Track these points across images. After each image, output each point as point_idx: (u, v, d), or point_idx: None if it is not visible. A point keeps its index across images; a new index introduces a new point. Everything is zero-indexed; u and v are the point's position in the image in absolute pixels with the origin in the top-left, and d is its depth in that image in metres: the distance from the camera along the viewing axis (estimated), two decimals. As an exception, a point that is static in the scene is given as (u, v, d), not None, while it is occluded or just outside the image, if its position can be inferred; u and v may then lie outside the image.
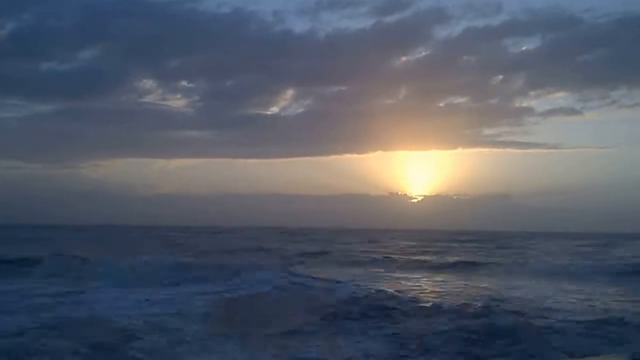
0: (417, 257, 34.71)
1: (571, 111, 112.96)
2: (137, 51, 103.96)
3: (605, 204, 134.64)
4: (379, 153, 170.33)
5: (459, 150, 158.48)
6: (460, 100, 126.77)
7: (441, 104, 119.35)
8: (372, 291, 16.54)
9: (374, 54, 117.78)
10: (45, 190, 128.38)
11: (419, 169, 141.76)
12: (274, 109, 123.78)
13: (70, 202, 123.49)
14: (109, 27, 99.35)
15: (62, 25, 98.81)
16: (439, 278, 23.54)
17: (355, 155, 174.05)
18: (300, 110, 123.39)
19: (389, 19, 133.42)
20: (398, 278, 23.13)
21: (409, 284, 20.97)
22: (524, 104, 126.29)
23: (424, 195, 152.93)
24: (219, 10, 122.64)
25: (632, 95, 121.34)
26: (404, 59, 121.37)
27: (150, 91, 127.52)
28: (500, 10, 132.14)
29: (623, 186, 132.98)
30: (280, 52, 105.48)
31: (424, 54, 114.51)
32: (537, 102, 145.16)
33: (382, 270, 27.15)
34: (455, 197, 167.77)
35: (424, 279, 22.99)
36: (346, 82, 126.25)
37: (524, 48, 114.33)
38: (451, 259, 32.89)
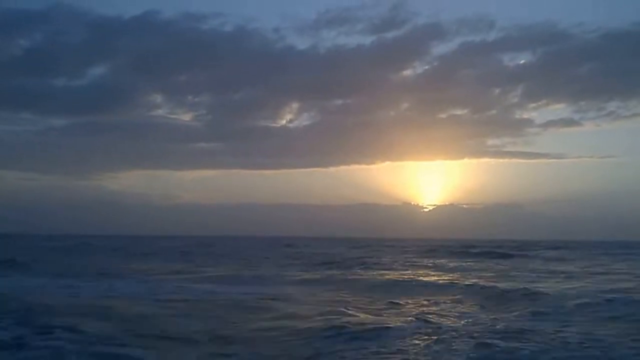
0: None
1: (570, 122, 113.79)
2: (144, 67, 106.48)
3: (613, 212, 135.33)
4: (387, 164, 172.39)
5: (465, 160, 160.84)
6: (461, 112, 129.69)
7: (443, 116, 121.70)
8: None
9: (375, 69, 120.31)
10: (68, 201, 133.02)
11: (428, 179, 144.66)
12: (281, 122, 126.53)
13: (91, 213, 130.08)
14: (117, 45, 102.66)
15: (71, 44, 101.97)
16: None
17: (364, 166, 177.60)
18: (307, 122, 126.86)
19: (387, 35, 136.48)
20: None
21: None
22: (525, 116, 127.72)
23: (436, 205, 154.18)
24: (222, 28, 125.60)
25: (628, 107, 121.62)
26: (404, 73, 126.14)
27: (159, 105, 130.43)
28: (493, 26, 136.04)
29: (627, 195, 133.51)
30: (283, 67, 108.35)
31: (423, 68, 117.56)
32: (536, 113, 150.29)
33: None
34: (466, 207, 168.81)
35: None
36: (349, 95, 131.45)
37: (519, 62, 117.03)
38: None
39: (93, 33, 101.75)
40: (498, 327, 13.17)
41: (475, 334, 12.06)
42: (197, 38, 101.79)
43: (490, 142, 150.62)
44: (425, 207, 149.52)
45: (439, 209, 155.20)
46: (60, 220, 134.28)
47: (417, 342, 11.41)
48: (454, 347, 10.82)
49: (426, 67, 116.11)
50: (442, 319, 14.39)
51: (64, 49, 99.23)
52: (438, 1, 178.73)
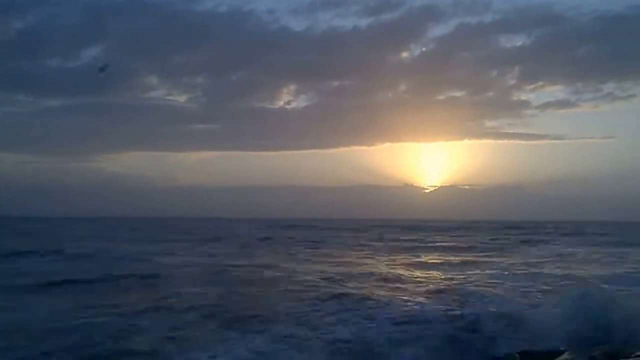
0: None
1: (567, 103, 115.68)
2: (139, 49, 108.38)
3: (615, 192, 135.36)
4: (387, 145, 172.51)
5: (465, 141, 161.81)
6: (459, 93, 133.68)
7: (442, 97, 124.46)
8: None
9: (372, 51, 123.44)
10: (67, 183, 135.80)
11: (428, 160, 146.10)
12: (279, 103, 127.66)
13: (91, 195, 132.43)
14: (111, 26, 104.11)
15: (65, 25, 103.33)
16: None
17: (364, 147, 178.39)
18: (305, 104, 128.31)
19: (383, 17, 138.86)
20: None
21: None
22: (522, 97, 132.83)
23: (438, 186, 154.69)
24: (217, 9, 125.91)
25: (623, 88, 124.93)
26: (401, 55, 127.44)
27: (154, 87, 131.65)
28: (489, 8, 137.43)
29: (629, 175, 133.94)
30: (279, 48, 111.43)
31: (420, 50, 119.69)
32: (533, 95, 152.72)
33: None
34: (467, 188, 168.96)
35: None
36: (347, 77, 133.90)
37: (516, 44, 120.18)
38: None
39: (88, 14, 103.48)
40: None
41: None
42: (192, 19, 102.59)
43: (489, 123, 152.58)
44: (427, 188, 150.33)
45: (440, 190, 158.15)
46: (57, 202, 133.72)
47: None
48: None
49: (423, 49, 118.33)
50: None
51: (58, 30, 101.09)
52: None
